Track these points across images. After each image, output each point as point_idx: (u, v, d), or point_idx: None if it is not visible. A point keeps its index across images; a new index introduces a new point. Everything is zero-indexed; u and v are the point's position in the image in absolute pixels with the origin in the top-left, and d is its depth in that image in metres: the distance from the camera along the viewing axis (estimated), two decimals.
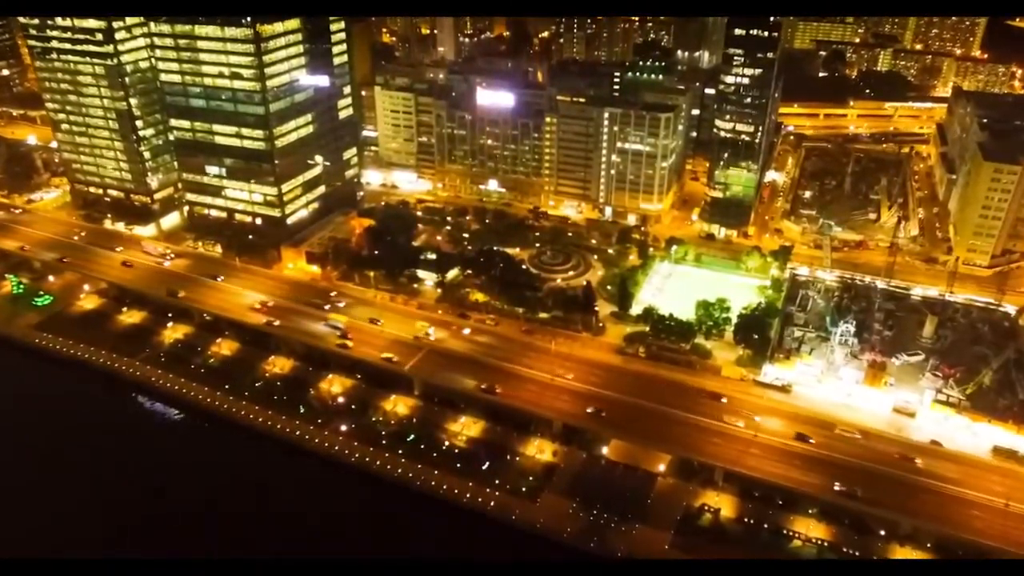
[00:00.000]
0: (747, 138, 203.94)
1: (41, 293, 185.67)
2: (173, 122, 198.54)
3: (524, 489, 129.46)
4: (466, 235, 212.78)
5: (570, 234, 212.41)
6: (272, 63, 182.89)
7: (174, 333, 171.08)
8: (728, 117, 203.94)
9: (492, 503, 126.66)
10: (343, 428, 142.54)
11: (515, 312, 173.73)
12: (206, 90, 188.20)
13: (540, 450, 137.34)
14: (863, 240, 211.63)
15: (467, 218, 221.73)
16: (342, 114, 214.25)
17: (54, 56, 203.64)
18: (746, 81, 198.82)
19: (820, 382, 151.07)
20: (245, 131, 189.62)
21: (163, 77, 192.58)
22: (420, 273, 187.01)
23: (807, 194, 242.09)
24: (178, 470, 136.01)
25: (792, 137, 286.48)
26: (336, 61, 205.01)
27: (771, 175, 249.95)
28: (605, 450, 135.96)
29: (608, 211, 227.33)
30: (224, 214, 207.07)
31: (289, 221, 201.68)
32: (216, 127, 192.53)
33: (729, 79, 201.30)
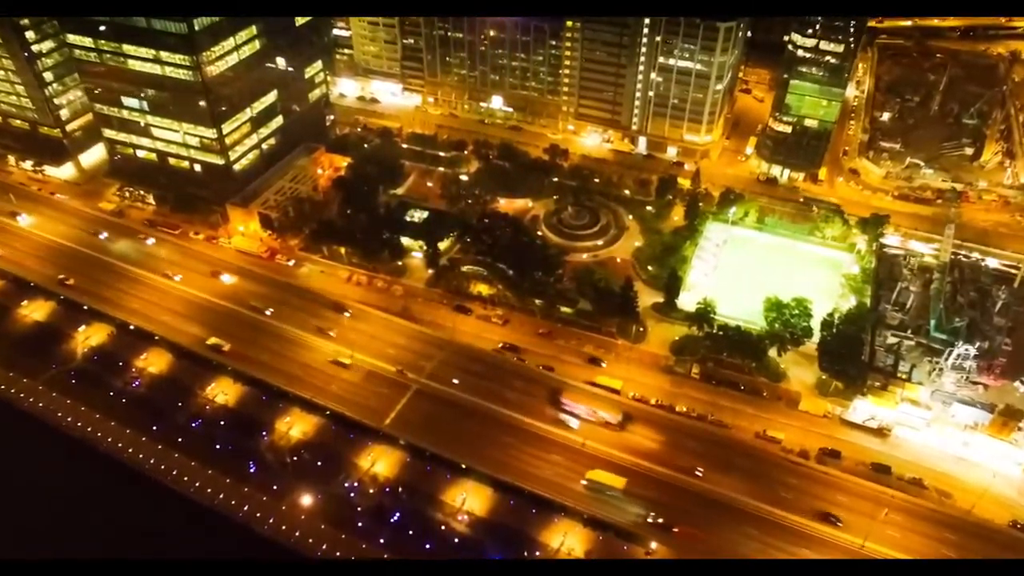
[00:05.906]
0: (834, 60, 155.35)
1: None
2: (72, 39, 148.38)
3: None
4: (464, 177, 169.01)
5: (596, 180, 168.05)
6: None
7: (89, 338, 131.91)
8: (811, 31, 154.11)
9: None
10: (306, 501, 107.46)
11: (529, 304, 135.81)
12: None
13: (567, 543, 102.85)
14: (964, 191, 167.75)
15: (466, 152, 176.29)
16: (300, 19, 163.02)
17: None
18: None
19: (929, 425, 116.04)
20: (165, 55, 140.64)
21: None
22: (405, 242, 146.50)
23: (885, 116, 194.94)
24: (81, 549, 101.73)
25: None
26: None
27: None
28: (654, 545, 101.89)
29: (642, 143, 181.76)
30: (154, 156, 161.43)
31: (237, 167, 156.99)
32: (127, 48, 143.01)
33: None
